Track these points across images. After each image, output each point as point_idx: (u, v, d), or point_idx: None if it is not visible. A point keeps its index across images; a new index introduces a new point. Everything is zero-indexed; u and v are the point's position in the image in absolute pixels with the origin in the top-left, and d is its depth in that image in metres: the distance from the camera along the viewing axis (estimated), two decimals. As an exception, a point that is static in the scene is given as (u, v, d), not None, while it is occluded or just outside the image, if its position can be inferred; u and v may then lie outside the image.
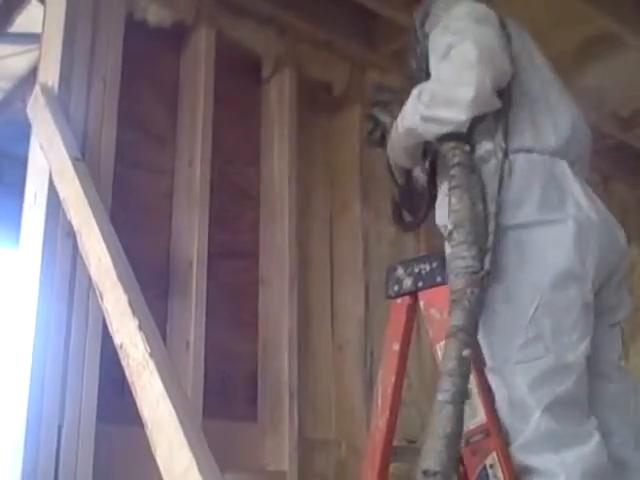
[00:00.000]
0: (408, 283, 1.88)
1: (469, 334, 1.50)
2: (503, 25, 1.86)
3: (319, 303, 2.95)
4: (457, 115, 1.69)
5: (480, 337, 1.66)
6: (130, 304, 1.69)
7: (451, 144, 1.73)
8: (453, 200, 1.65)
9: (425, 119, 1.75)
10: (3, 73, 4.10)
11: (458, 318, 1.51)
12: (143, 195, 2.51)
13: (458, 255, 1.59)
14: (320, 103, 3.18)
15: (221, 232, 2.65)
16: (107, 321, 1.76)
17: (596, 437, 1.58)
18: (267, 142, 2.91)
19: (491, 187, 1.68)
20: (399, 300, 1.92)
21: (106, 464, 2.02)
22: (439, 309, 1.76)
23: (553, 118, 1.84)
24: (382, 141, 2.05)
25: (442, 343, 1.77)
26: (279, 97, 2.92)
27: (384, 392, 1.89)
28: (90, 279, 1.92)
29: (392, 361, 1.88)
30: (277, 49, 2.92)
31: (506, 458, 1.61)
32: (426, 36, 1.98)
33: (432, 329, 1.79)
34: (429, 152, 1.95)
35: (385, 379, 1.90)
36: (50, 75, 2.27)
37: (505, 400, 1.64)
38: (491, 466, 1.65)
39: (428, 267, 1.84)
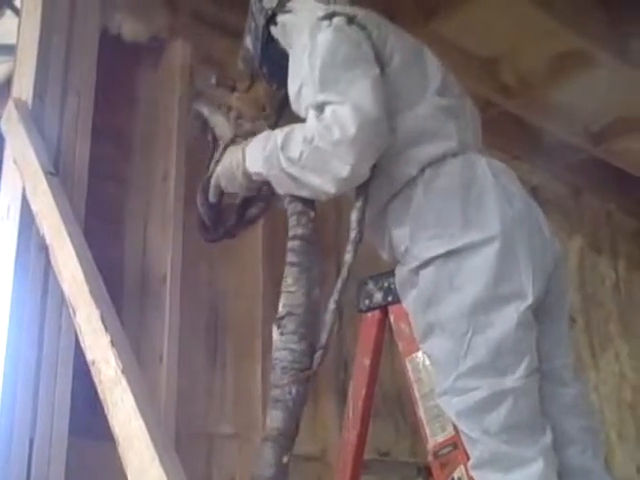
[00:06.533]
0: (379, 297, 1.88)
1: (289, 438, 1.43)
2: (369, 36, 1.69)
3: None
4: (326, 187, 1.57)
5: (430, 364, 1.68)
6: (102, 320, 1.69)
7: (299, 207, 1.64)
8: (289, 280, 1.56)
9: (289, 177, 1.61)
10: (-23, 83, 4.08)
11: (279, 420, 1.43)
12: (117, 209, 2.52)
13: (287, 347, 1.50)
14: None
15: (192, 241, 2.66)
16: (79, 337, 1.76)
17: (541, 462, 1.50)
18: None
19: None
20: (369, 314, 1.93)
21: (78, 478, 2.02)
22: (408, 323, 1.77)
23: (453, 108, 1.72)
24: (202, 131, 1.97)
25: (411, 356, 1.79)
26: (254, 112, 2.94)
27: (355, 406, 1.91)
28: (63, 293, 1.92)
29: (363, 375, 1.90)
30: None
31: (472, 472, 1.63)
32: (261, 11, 1.88)
33: (402, 343, 1.80)
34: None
35: (356, 393, 1.92)
36: (24, 90, 2.26)
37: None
38: (459, 479, 1.68)
39: (398, 282, 1.86)
